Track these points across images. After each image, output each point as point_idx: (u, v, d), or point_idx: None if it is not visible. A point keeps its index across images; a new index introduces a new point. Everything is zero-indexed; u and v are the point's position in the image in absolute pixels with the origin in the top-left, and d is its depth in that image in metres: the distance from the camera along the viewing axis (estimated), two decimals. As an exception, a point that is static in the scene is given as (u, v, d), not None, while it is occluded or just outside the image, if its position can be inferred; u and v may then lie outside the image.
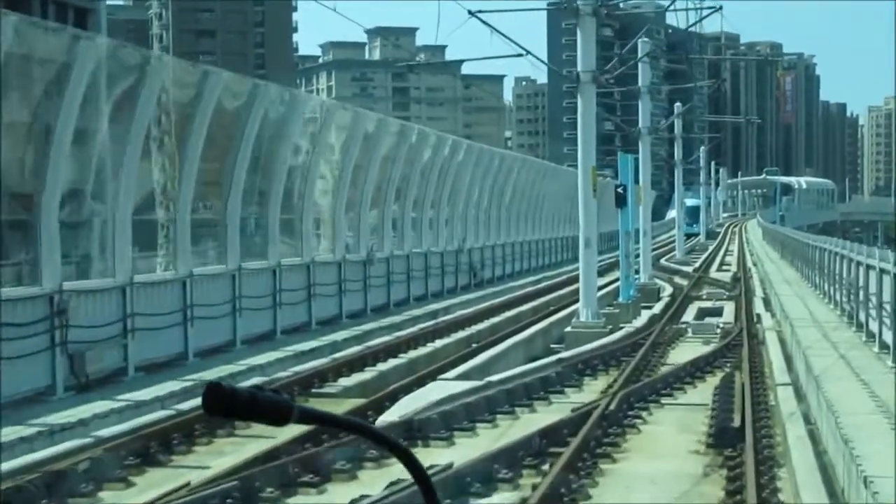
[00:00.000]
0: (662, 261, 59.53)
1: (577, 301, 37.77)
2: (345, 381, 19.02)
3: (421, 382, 18.20)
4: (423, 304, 32.08)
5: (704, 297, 37.31)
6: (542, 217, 53.04)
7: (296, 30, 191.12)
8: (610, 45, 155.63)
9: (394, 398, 16.57)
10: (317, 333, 24.31)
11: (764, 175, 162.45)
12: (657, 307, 32.74)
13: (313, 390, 18.09)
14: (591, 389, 18.09)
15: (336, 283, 27.03)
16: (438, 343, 24.90)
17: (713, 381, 18.80)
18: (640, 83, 40.72)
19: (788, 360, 20.85)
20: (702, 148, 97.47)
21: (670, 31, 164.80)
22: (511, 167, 45.75)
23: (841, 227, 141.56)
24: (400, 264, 32.03)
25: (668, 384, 17.92)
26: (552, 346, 26.79)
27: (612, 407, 14.99)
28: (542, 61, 24.73)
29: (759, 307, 31.47)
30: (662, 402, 16.78)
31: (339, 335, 24.19)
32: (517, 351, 23.68)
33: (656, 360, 21.44)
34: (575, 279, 47.13)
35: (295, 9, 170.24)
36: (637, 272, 40.67)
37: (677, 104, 66.97)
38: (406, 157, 32.17)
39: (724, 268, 56.16)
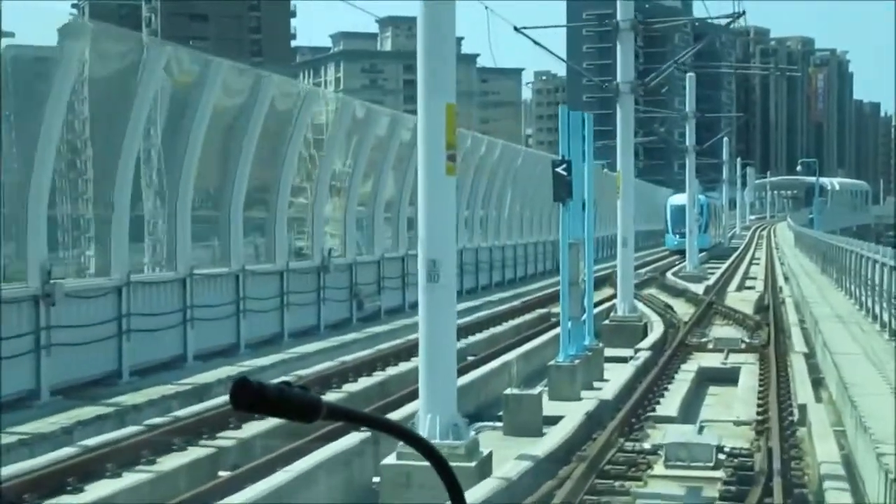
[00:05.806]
0: (669, 274, 47.04)
1: (526, 340, 24.44)
2: None
3: None
4: (209, 367, 18.03)
5: (711, 345, 23.41)
6: (506, 217, 39.84)
7: (294, 14, 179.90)
8: None
9: None
10: None
11: (798, 167, 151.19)
12: (625, 373, 18.88)
13: None
14: None
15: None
16: (111, 486, 11.07)
17: None
18: (618, 16, 26.75)
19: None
20: (724, 138, 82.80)
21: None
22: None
23: (874, 230, 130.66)
24: (167, 296, 18.10)
25: None
26: (375, 480, 12.89)
27: None
28: None
29: (800, 374, 17.97)
30: None
31: None
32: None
33: None
34: (539, 302, 33.70)
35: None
36: (616, 299, 27.06)
37: (690, 77, 53.40)
38: (193, 105, 18.25)
39: (749, 284, 43.12)
